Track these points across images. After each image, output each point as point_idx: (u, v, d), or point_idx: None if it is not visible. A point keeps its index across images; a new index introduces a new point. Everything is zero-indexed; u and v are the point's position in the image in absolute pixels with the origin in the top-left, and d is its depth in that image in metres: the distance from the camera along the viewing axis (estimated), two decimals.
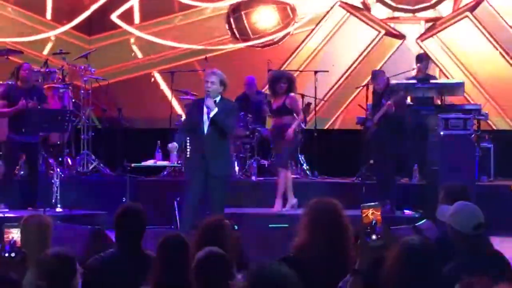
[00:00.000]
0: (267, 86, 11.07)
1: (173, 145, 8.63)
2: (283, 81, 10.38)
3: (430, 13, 13.68)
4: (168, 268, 4.20)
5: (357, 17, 13.79)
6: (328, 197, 4.56)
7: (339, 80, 13.64)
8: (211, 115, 8.41)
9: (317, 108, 12.67)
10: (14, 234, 3.64)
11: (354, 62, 13.64)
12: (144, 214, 5.07)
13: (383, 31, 13.67)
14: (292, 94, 10.47)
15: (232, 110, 8.68)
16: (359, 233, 3.37)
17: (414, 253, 3.06)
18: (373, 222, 3.34)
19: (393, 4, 13.75)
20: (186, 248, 4.33)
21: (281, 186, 10.42)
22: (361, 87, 12.02)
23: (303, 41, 13.86)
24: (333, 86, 13.60)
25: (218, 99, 8.51)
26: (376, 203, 3.44)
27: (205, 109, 8.45)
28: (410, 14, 13.73)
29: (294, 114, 10.37)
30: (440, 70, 13.32)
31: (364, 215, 3.35)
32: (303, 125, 11.50)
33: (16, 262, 3.61)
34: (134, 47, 14.32)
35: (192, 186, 8.59)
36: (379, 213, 3.36)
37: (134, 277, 4.60)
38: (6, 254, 3.60)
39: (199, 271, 3.85)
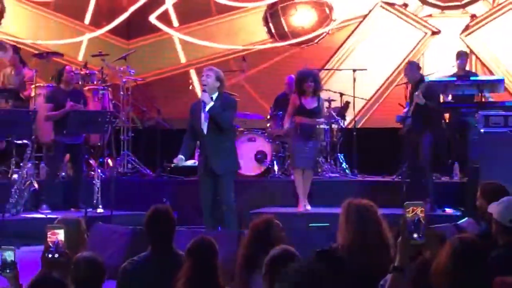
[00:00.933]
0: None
1: (178, 159, 8.70)
2: (310, 80, 10.35)
3: (473, 9, 13.57)
4: (198, 272, 4.22)
5: (396, 15, 13.72)
6: (365, 196, 4.57)
7: (378, 78, 13.59)
8: (207, 108, 8.42)
9: (356, 107, 12.63)
10: (59, 235, 3.65)
11: (393, 60, 13.58)
12: (173, 215, 5.10)
13: (423, 30, 13.59)
14: (322, 97, 10.63)
15: (229, 104, 8.63)
16: (401, 230, 3.37)
17: (467, 250, 3.05)
18: (416, 220, 3.33)
19: (441, 3, 13.66)
20: (214, 251, 4.34)
21: (307, 186, 10.45)
22: (401, 85, 11.95)
23: (345, 40, 13.82)
24: (373, 85, 13.55)
25: (215, 95, 8.50)
26: (421, 202, 3.44)
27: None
28: (455, 11, 13.63)
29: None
30: (482, 65, 13.22)
31: (407, 213, 3.35)
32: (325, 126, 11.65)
33: (60, 263, 3.63)
34: (174, 49, 14.39)
35: (202, 187, 8.70)
36: (422, 211, 3.35)
37: (168, 278, 4.64)
38: (50, 255, 3.62)
39: (271, 269, 3.85)
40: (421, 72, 10.72)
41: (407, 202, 3.40)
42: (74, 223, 4.99)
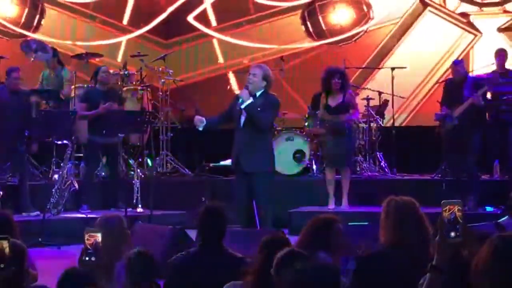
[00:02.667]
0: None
1: (198, 119, 8.56)
2: (337, 77, 10.34)
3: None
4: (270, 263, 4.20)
5: (435, 13, 13.63)
6: (406, 195, 4.53)
7: (417, 77, 13.50)
8: (243, 106, 8.16)
9: (395, 105, 12.57)
10: (97, 238, 3.70)
11: (432, 58, 13.49)
12: (226, 213, 5.11)
13: (462, 27, 13.48)
14: (350, 90, 10.54)
15: (271, 105, 8.29)
16: (438, 229, 3.34)
17: (508, 247, 3.01)
18: (453, 218, 3.31)
19: (479, 1, 13.55)
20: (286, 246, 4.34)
21: (347, 184, 10.46)
22: (439, 83, 11.88)
23: (384, 38, 13.76)
24: (411, 83, 13.47)
25: (259, 93, 8.23)
26: (458, 200, 3.40)
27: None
28: (494, 8, 13.50)
29: (351, 111, 10.47)
30: None
31: (444, 211, 3.32)
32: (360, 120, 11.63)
33: (96, 266, 3.68)
34: (212, 49, 14.43)
35: (235, 185, 8.55)
36: (460, 210, 3.32)
37: (217, 276, 4.64)
38: (87, 258, 3.67)
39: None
40: (465, 70, 10.66)
41: (444, 201, 3.37)
42: (116, 221, 5.03)
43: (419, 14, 13.68)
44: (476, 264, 3.00)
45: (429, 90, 13.22)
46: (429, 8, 13.65)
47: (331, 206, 10.53)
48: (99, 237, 3.69)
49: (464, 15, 13.59)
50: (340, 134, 10.45)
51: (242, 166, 8.26)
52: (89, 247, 3.68)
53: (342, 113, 10.43)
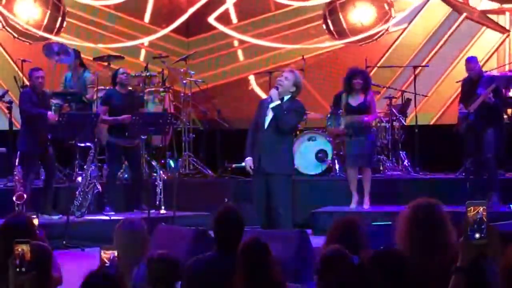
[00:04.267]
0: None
1: (248, 161, 8.40)
2: (359, 78, 10.40)
3: None
4: (251, 273, 4.21)
5: (458, 11, 13.56)
6: (428, 194, 4.48)
7: (440, 75, 13.43)
8: (271, 105, 8.22)
9: (417, 104, 12.51)
10: (109, 257, 3.73)
11: (455, 57, 13.41)
12: (242, 215, 5.09)
13: (485, 26, 13.39)
14: (371, 92, 10.59)
15: (296, 110, 8.36)
16: (463, 230, 3.31)
17: None
18: (478, 219, 3.27)
19: None
20: (264, 250, 4.31)
21: (368, 183, 10.48)
22: (460, 81, 11.79)
23: (400, 35, 13.71)
24: (434, 82, 13.40)
25: (287, 97, 8.29)
26: (483, 200, 3.36)
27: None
28: None
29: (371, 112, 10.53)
30: None
31: (469, 212, 3.28)
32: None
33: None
34: (236, 48, 14.43)
35: (254, 186, 8.53)
36: (484, 210, 3.28)
37: (233, 278, 4.63)
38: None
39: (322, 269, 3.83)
40: (479, 66, 10.62)
41: (469, 201, 3.34)
42: (136, 224, 5.06)
43: (442, 12, 13.60)
44: (505, 266, 2.96)
45: (451, 88, 13.12)
46: (452, 5, 13.56)
47: (353, 205, 10.55)
48: (115, 252, 3.71)
49: (486, 12, 13.51)
50: (362, 134, 10.46)
51: (263, 167, 8.27)
52: (106, 261, 3.71)
53: (363, 113, 10.44)
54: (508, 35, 13.29)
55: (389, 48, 13.75)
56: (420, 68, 12.62)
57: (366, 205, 10.51)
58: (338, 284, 3.44)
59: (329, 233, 4.64)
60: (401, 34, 13.74)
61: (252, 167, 8.34)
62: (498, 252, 3.15)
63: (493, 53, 13.22)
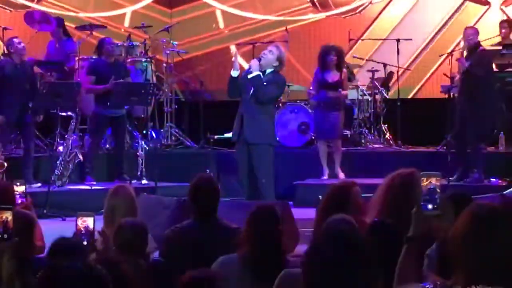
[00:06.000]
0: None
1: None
2: (333, 54, 10.56)
3: None
4: (259, 240, 4.21)
5: None
6: (410, 167, 4.49)
7: (422, 48, 13.43)
8: (250, 76, 8.26)
9: (400, 77, 12.52)
10: (86, 224, 3.74)
11: (437, 30, 13.41)
12: (217, 184, 5.11)
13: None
14: (345, 70, 10.80)
15: (276, 82, 8.38)
16: (415, 200, 3.31)
17: (487, 215, 2.98)
18: (431, 190, 3.27)
19: None
20: (277, 219, 4.33)
21: (339, 155, 10.69)
22: (445, 55, 11.79)
23: (384, 8, 13.69)
24: (416, 55, 13.41)
25: (269, 70, 8.33)
26: (438, 172, 3.36)
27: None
28: None
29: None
30: None
31: (422, 183, 3.28)
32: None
33: (90, 247, 3.73)
34: (218, 18, 14.35)
35: (238, 156, 8.57)
36: (438, 181, 3.28)
37: (211, 247, 4.66)
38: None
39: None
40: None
41: (423, 172, 3.35)
42: (127, 191, 5.13)
43: None
44: (453, 234, 2.96)
45: (434, 62, 13.13)
46: None
47: (324, 177, 10.73)
48: (90, 221, 3.73)
49: None
50: (334, 109, 10.67)
51: (245, 136, 8.31)
52: (82, 230, 3.72)
53: (339, 88, 10.66)
54: (489, 7, 13.29)
55: (374, 21, 13.73)
56: (403, 40, 12.58)
57: (341, 175, 10.65)
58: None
59: (323, 198, 4.62)
60: (385, 7, 13.71)
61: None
62: (453, 223, 3.15)
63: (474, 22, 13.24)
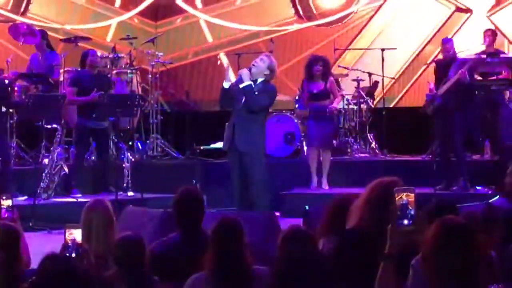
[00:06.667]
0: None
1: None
2: (319, 64, 10.59)
3: None
4: (223, 254, 4.19)
5: None
6: (397, 176, 4.49)
7: (407, 57, 13.48)
8: (241, 85, 8.31)
9: (385, 86, 12.56)
10: (75, 236, 3.72)
11: (422, 39, 13.45)
12: (201, 196, 5.09)
13: (452, 7, 13.44)
14: (331, 78, 10.82)
15: (268, 91, 8.46)
16: (390, 217, 3.29)
17: (450, 230, 3.01)
18: (405, 206, 3.26)
19: None
20: (239, 233, 4.29)
21: (327, 165, 10.72)
22: (430, 63, 11.84)
23: (370, 19, 13.72)
24: (401, 64, 13.45)
25: (260, 79, 8.41)
26: (411, 187, 3.34)
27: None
28: None
29: (332, 98, 10.76)
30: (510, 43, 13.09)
31: (396, 198, 3.27)
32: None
33: (78, 260, 3.70)
34: (202, 31, 14.36)
35: (230, 165, 8.62)
36: (412, 196, 3.27)
37: (196, 259, 4.64)
38: (67, 254, 3.69)
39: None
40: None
41: (396, 188, 3.34)
42: (103, 205, 5.07)
43: None
44: (423, 248, 3.00)
45: (419, 71, 13.18)
46: None
47: (313, 186, 10.77)
48: (78, 233, 3.71)
49: None
50: (323, 118, 10.70)
51: (236, 146, 8.37)
52: (69, 243, 3.70)
53: (323, 99, 10.66)
54: (471, 14, 13.36)
55: (357, 30, 13.77)
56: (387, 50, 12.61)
57: (325, 186, 10.70)
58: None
59: (326, 214, 4.59)
60: (372, 17, 13.75)
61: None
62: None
63: (455, 33, 13.30)
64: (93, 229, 4.89)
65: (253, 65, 8.44)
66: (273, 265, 2.91)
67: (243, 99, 8.34)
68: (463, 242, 2.97)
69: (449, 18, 13.45)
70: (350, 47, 13.45)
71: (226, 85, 8.42)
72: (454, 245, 2.96)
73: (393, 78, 13.06)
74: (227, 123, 8.62)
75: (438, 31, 13.37)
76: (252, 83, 8.33)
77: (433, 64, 11.22)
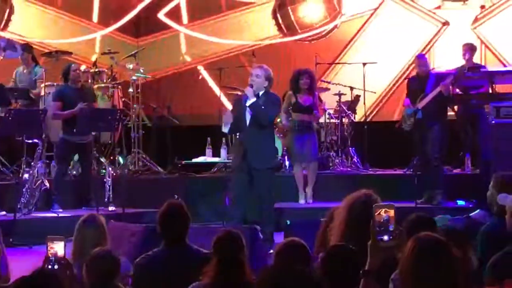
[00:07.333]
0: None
1: (227, 116, 8.84)
2: (306, 77, 10.64)
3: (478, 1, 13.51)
4: (225, 266, 4.21)
5: (407, 9, 13.67)
6: (377, 190, 4.50)
7: (390, 72, 13.53)
8: (248, 103, 8.54)
9: (366, 101, 12.60)
10: (57, 248, 3.70)
11: (404, 54, 13.51)
12: (186, 210, 5.09)
13: (439, 24, 13.53)
14: (316, 91, 10.95)
15: (273, 103, 8.74)
16: (370, 233, 3.29)
17: (424, 247, 3.04)
18: (385, 221, 3.27)
19: None
20: (241, 245, 4.32)
21: (313, 177, 10.78)
22: (405, 79, 11.91)
23: (356, 34, 13.77)
24: (384, 79, 13.50)
25: (261, 92, 8.64)
26: (391, 203, 3.36)
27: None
28: (460, 3, 13.56)
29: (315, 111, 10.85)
30: (494, 56, 13.19)
31: (376, 215, 3.28)
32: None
33: (60, 273, 3.68)
34: (183, 45, 14.38)
35: (238, 181, 8.71)
36: (392, 212, 3.28)
37: (181, 273, 4.63)
38: (50, 266, 3.67)
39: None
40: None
41: (376, 204, 3.36)
42: (98, 220, 5.11)
43: (391, 10, 13.70)
44: (400, 265, 3.03)
45: (401, 84, 13.23)
46: (401, 3, 13.69)
47: (302, 201, 10.81)
48: (61, 245, 3.69)
49: (435, 9, 13.64)
50: (308, 132, 10.75)
51: (250, 163, 8.56)
52: (50, 256, 3.68)
53: (309, 113, 10.73)
54: (447, 26, 13.46)
55: (340, 44, 13.82)
56: (369, 64, 12.66)
57: (310, 199, 10.78)
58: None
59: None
60: (357, 32, 13.80)
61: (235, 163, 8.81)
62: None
63: (430, 46, 13.39)
64: (86, 244, 4.88)
65: (252, 82, 8.64)
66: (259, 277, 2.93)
67: (249, 119, 8.59)
68: (438, 259, 2.99)
69: (436, 34, 13.52)
70: (331, 62, 13.49)
71: (225, 130, 8.65)
72: (429, 262, 2.99)
73: (374, 92, 13.10)
74: (234, 142, 8.78)
75: (426, 47, 13.43)
76: (256, 99, 8.59)
77: (406, 80, 11.34)
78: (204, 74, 14.03)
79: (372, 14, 13.73)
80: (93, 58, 13.50)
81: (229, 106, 12.90)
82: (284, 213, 10.04)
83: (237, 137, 9.03)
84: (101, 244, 4.84)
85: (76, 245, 5.01)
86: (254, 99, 8.57)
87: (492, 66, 12.51)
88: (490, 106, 10.17)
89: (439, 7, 13.61)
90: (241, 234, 4.41)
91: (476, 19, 13.39)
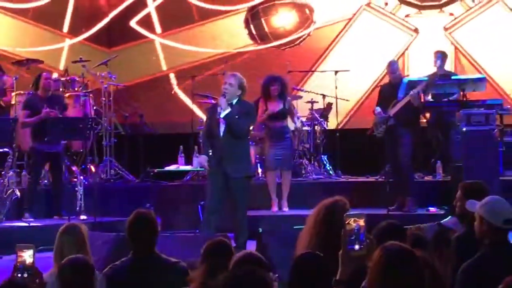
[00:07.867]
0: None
1: (203, 158, 8.74)
2: (276, 84, 10.64)
3: (450, 8, 13.61)
4: (215, 272, 4.18)
5: (380, 18, 13.75)
6: (349, 197, 4.51)
7: (363, 80, 13.59)
8: (222, 115, 8.43)
9: (338, 108, 12.64)
10: (26, 256, 3.68)
11: (378, 62, 13.57)
12: (155, 219, 5.08)
13: (414, 34, 13.61)
14: (289, 98, 10.88)
15: (247, 112, 8.63)
16: (341, 242, 3.30)
17: (393, 257, 3.06)
18: (356, 230, 3.28)
19: (419, 3, 13.71)
20: (231, 253, 4.32)
21: (287, 187, 10.75)
22: (377, 86, 11.98)
23: (331, 43, 13.81)
24: (356, 87, 13.55)
25: (235, 101, 8.53)
26: (362, 213, 3.37)
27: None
28: (436, 10, 13.66)
29: (289, 118, 10.90)
30: (469, 62, 13.29)
31: (347, 224, 3.29)
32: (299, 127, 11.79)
33: (29, 281, 3.66)
34: (155, 53, 14.36)
35: (213, 189, 8.65)
36: (363, 221, 3.29)
37: (149, 282, 4.62)
38: (19, 275, 3.65)
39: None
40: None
41: (347, 213, 3.37)
42: (79, 229, 5.09)
43: (364, 19, 13.77)
44: (368, 273, 3.05)
45: (372, 92, 13.29)
46: (366, 8, 13.77)
47: (275, 209, 10.79)
48: (30, 254, 3.67)
49: (405, 17, 13.73)
50: (282, 138, 10.71)
51: (226, 171, 8.47)
52: (19, 265, 3.66)
53: (282, 119, 10.72)
54: (417, 35, 13.54)
55: (312, 52, 13.85)
56: (341, 72, 12.70)
57: (285, 208, 10.73)
58: None
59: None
60: (333, 41, 13.84)
61: (207, 167, 8.64)
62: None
63: (402, 54, 13.47)
64: (66, 253, 4.85)
65: (225, 91, 8.52)
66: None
67: (223, 128, 8.47)
68: (404, 268, 3.01)
69: (409, 42, 13.60)
70: (303, 70, 13.52)
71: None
72: (396, 271, 3.01)
73: (347, 100, 13.13)
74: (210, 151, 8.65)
75: (399, 54, 13.51)
76: (230, 109, 8.46)
77: (378, 88, 11.40)
78: (175, 83, 14.02)
79: (347, 24, 13.78)
80: (61, 67, 13.43)
81: (201, 114, 12.92)
82: (256, 220, 10.01)
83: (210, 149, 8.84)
84: (82, 253, 4.81)
85: (55, 254, 5.00)
86: (228, 110, 8.44)
87: (466, 72, 12.63)
88: (461, 113, 10.24)
89: (408, 15, 13.70)
90: (229, 241, 4.43)
91: (450, 26, 13.48)
